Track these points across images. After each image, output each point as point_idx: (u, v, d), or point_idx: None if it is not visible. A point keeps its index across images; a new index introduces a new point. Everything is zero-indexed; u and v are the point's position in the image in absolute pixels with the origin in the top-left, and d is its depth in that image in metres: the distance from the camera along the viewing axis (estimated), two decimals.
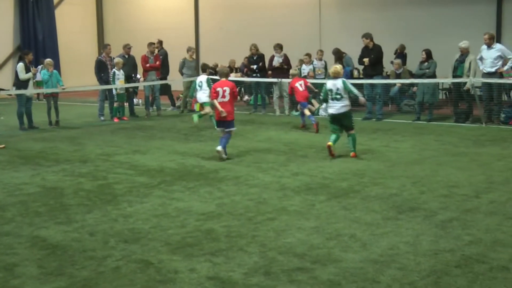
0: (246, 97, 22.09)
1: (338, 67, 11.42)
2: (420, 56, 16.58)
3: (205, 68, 15.69)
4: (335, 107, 11.07)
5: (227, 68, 12.97)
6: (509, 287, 4.96)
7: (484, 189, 8.31)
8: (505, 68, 14.98)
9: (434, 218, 6.95)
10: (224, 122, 11.07)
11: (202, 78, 14.90)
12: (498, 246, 5.93)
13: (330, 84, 11.14)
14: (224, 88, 11.09)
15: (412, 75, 18.04)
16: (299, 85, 15.04)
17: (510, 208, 7.30)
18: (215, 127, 11.79)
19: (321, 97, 11.69)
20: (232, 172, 9.76)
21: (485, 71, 15.10)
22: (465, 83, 15.09)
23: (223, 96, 11.06)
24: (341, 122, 11.10)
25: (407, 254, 5.76)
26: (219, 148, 10.84)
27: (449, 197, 7.89)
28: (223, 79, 11.41)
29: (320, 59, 18.99)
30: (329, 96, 11.10)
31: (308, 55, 18.94)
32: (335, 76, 11.17)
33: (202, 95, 14.72)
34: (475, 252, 5.75)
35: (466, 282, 5.05)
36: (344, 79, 11.24)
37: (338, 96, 10.99)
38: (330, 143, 10.94)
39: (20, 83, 15.84)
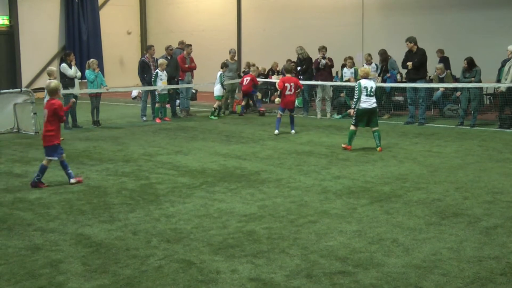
0: (277, 99, 22.02)
1: (368, 68, 12.90)
2: (461, 60, 16.39)
3: (222, 65, 16.16)
4: (369, 103, 12.02)
5: (292, 65, 15.77)
6: None
7: None
8: None
9: (478, 225, 6.86)
10: (289, 109, 14.50)
11: (217, 74, 15.37)
12: None
13: (365, 82, 12.06)
14: (291, 83, 14.20)
15: (455, 79, 17.82)
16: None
17: None
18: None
19: (355, 95, 12.09)
20: (273, 174, 9.77)
21: None
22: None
23: (290, 90, 14.26)
24: (370, 117, 12.09)
25: (450, 260, 5.70)
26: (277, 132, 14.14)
27: (494, 204, 7.77)
28: (289, 75, 14.59)
29: (370, 63, 18.69)
30: (364, 93, 11.98)
31: (351, 58, 18.82)
32: (366, 76, 12.22)
33: (216, 90, 15.21)
34: None
35: None
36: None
37: (372, 94, 12.04)
38: (349, 146, 12.18)
39: (67, 82, 16.08)
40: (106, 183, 9.30)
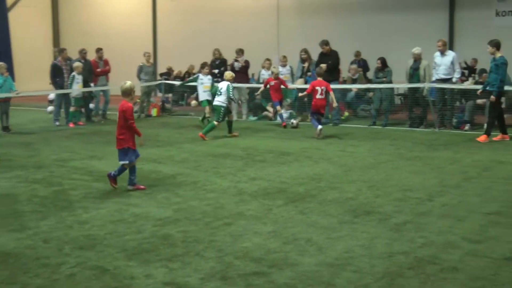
0: (193, 102, 21.98)
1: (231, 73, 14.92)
2: (375, 62, 16.87)
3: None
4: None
5: (323, 69, 15.15)
6: (458, 286, 5.06)
7: (437, 192, 8.47)
8: (454, 80, 15.34)
9: (389, 221, 7.05)
10: (319, 113, 14.42)
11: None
12: (449, 247, 6.05)
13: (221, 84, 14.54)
14: (322, 87, 14.24)
15: (368, 80, 18.28)
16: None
17: (461, 211, 7.46)
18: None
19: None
20: (189, 177, 9.74)
21: (438, 77, 15.41)
22: (422, 88, 15.40)
23: (321, 94, 14.24)
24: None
25: (362, 257, 5.83)
26: (320, 127, 13.91)
27: (403, 201, 8.01)
28: (320, 78, 14.55)
29: (285, 65, 18.87)
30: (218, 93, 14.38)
31: (268, 60, 19.02)
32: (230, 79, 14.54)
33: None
34: (427, 254, 5.86)
35: (418, 283, 5.14)
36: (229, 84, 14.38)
37: (219, 93, 14.32)
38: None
39: None
40: (16, 191, 9.02)
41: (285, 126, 16.03)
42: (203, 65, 16.85)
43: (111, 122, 18.13)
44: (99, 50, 19.07)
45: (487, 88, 13.47)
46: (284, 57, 19.19)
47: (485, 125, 13.59)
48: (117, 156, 9.04)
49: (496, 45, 13.21)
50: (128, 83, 9.02)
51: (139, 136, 9.05)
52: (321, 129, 14.03)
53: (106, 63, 19.10)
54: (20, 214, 7.68)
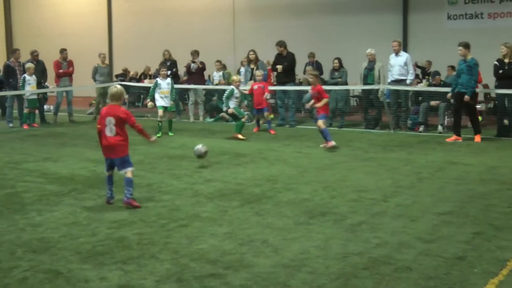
0: (150, 103, 21.78)
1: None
2: (331, 63, 16.99)
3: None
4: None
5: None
6: (411, 286, 5.14)
7: (391, 193, 8.58)
8: (408, 81, 15.58)
9: (344, 222, 7.11)
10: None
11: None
12: (403, 247, 6.13)
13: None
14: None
15: (324, 82, 18.40)
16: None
17: (414, 211, 7.57)
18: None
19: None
20: (145, 179, 9.68)
21: (392, 79, 15.62)
22: (377, 90, 15.59)
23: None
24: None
25: (317, 258, 5.87)
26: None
27: (358, 201, 8.10)
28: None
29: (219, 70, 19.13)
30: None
31: (219, 61, 19.05)
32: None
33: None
34: (381, 254, 5.92)
35: (373, 283, 5.20)
36: None
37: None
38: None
39: None
40: None
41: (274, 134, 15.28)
42: (160, 68, 16.53)
43: (67, 124, 17.93)
44: (63, 51, 18.83)
45: (456, 90, 13.68)
46: (218, 61, 19.26)
47: (470, 126, 14.23)
48: (120, 165, 8.08)
49: (467, 46, 13.47)
50: (118, 87, 8.33)
51: (148, 139, 8.42)
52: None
53: (70, 64, 18.86)
54: None
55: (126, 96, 21.27)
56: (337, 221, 7.17)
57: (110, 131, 8.04)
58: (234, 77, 14.84)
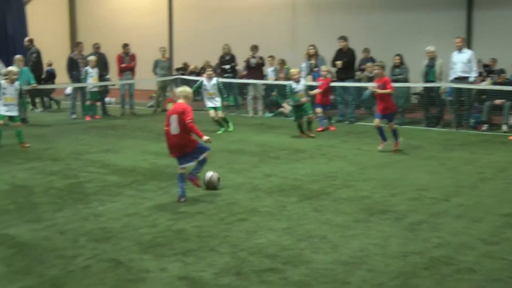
0: None
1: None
2: (390, 61, 16.75)
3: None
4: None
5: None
6: None
7: (452, 192, 8.41)
8: (471, 79, 15.23)
9: (404, 221, 7.02)
10: None
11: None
12: (465, 248, 6.01)
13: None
14: None
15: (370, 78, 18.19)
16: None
17: (477, 212, 7.40)
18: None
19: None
20: (204, 173, 9.73)
21: (455, 76, 15.30)
22: (438, 87, 15.32)
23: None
24: None
25: (376, 256, 5.81)
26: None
27: (419, 200, 7.97)
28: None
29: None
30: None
31: (271, 57, 19.01)
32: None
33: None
34: (443, 254, 5.82)
35: (434, 283, 5.12)
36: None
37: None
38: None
39: None
40: (33, 182, 9.09)
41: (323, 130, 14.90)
42: (205, 68, 16.28)
43: (127, 117, 18.23)
44: (125, 46, 19.12)
45: None
46: (271, 56, 19.12)
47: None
48: (192, 157, 8.20)
49: None
50: (187, 87, 8.50)
51: (201, 137, 8.17)
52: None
53: (132, 58, 19.13)
54: (37, 205, 7.74)
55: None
56: (397, 220, 7.08)
57: (174, 129, 8.02)
58: (292, 70, 14.58)
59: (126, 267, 5.54)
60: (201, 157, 8.19)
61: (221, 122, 14.86)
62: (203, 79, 15.23)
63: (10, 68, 13.13)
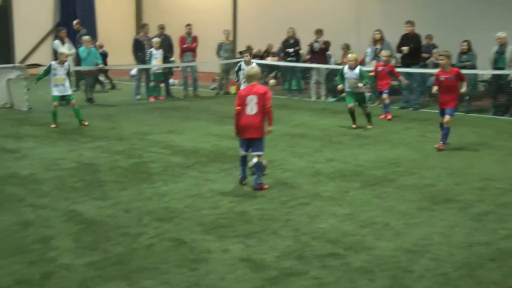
0: (272, 81, 22.10)
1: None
2: (457, 47, 16.35)
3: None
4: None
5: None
6: None
7: None
8: None
9: (469, 211, 6.88)
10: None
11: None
12: None
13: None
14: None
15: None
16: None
17: None
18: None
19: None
20: (266, 156, 9.66)
21: None
22: (507, 75, 14.88)
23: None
24: None
25: (440, 245, 5.72)
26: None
27: (485, 190, 7.79)
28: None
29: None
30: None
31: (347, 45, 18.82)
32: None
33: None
34: (510, 246, 5.68)
35: (501, 276, 5.00)
36: None
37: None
38: None
39: None
40: (98, 161, 9.29)
41: (390, 119, 14.23)
42: (268, 51, 15.90)
43: (191, 99, 18.39)
44: (187, 26, 19.23)
45: None
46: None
47: None
48: (255, 146, 7.91)
49: None
50: (255, 67, 8.25)
51: (270, 125, 7.96)
52: None
53: (194, 39, 19.21)
54: (102, 183, 7.91)
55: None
56: (462, 209, 6.94)
57: (251, 109, 7.79)
58: (349, 55, 13.54)
59: (189, 247, 5.60)
60: (256, 155, 7.91)
61: None
62: (241, 63, 15.02)
63: (61, 49, 13.41)
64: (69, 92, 13.00)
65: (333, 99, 18.36)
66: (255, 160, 8.00)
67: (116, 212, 6.66)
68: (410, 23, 16.43)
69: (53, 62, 12.98)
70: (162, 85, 18.84)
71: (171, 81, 20.29)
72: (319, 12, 24.14)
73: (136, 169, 8.75)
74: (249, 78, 8.08)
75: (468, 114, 15.32)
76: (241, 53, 23.99)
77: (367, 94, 12.96)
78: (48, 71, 12.89)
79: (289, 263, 5.24)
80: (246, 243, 5.70)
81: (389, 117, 14.35)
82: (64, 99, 13.15)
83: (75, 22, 19.77)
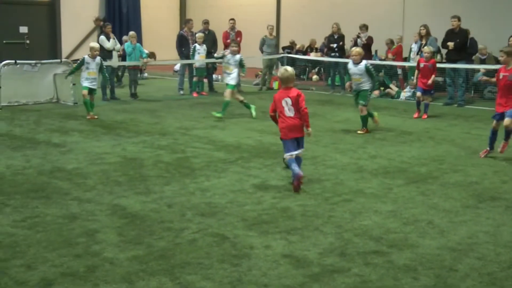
0: (315, 76, 22.07)
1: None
2: (505, 43, 16.02)
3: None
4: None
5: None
6: None
7: None
8: None
9: None
10: None
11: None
12: None
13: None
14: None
15: (497, 61, 17.45)
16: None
17: None
18: None
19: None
20: (309, 151, 9.71)
21: None
22: None
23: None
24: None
25: (486, 244, 5.62)
26: None
27: None
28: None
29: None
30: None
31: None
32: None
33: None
34: None
35: None
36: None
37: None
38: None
39: (105, 55, 16.24)
40: (142, 155, 9.38)
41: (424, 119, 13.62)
42: (312, 46, 15.69)
43: (242, 95, 18.41)
44: (231, 20, 19.26)
45: None
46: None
47: None
48: (301, 144, 7.89)
49: None
50: (289, 70, 8.05)
51: (307, 128, 7.84)
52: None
53: (238, 34, 19.24)
54: (146, 178, 7.98)
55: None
56: (508, 208, 6.82)
57: (289, 111, 7.73)
58: (353, 49, 12.61)
59: (231, 242, 5.62)
60: (295, 153, 7.74)
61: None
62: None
63: (92, 44, 13.60)
64: (95, 87, 13.33)
65: (376, 95, 18.19)
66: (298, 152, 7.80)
67: (159, 207, 6.71)
68: (456, 17, 16.16)
69: (86, 56, 13.22)
70: (205, 80, 18.92)
71: (214, 76, 20.37)
72: (363, 6, 23.93)
73: (179, 164, 8.81)
74: (283, 81, 7.96)
75: None
76: (283, 48, 24.01)
77: (369, 93, 11.85)
78: (81, 65, 13.17)
79: (332, 260, 5.22)
80: (288, 239, 5.69)
81: (425, 116, 13.71)
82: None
83: (94, 18, 19.78)
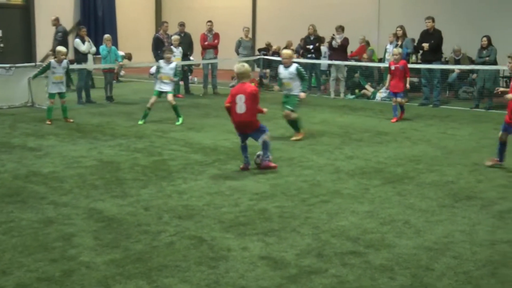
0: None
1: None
2: (478, 43, 16.20)
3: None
4: None
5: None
6: None
7: None
8: None
9: (492, 208, 6.82)
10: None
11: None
12: None
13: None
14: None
15: (471, 61, 17.64)
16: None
17: None
18: None
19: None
20: (286, 153, 9.74)
21: None
22: None
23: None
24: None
25: (462, 243, 5.67)
26: None
27: (509, 187, 7.72)
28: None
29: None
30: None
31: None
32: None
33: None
34: None
35: None
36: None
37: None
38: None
39: (80, 58, 16.12)
40: (118, 159, 9.32)
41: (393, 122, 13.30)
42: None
43: (210, 96, 18.40)
44: (208, 22, 19.22)
45: None
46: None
47: None
48: (255, 136, 8.60)
49: None
50: (245, 65, 8.70)
51: (263, 113, 8.82)
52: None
53: (215, 36, 19.17)
54: (123, 181, 7.93)
55: (267, 71, 21.56)
56: (484, 207, 6.88)
57: (240, 109, 8.31)
58: (284, 51, 11.99)
59: (209, 245, 5.60)
60: (260, 140, 8.53)
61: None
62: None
63: (59, 48, 13.47)
64: (64, 90, 13.18)
65: (353, 96, 18.29)
66: (260, 140, 8.52)
67: (136, 210, 6.67)
68: (430, 18, 16.30)
69: (52, 61, 13.12)
70: (181, 83, 18.85)
71: (190, 78, 20.30)
72: (339, 8, 24.04)
73: (156, 167, 8.77)
74: (239, 76, 8.40)
75: (489, 111, 15.19)
76: (259, 50, 24.02)
77: (298, 99, 11.13)
78: (46, 69, 13.05)
79: (309, 261, 5.22)
80: (265, 241, 5.69)
81: (394, 120, 13.37)
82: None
83: (52, 18, 19.46)
